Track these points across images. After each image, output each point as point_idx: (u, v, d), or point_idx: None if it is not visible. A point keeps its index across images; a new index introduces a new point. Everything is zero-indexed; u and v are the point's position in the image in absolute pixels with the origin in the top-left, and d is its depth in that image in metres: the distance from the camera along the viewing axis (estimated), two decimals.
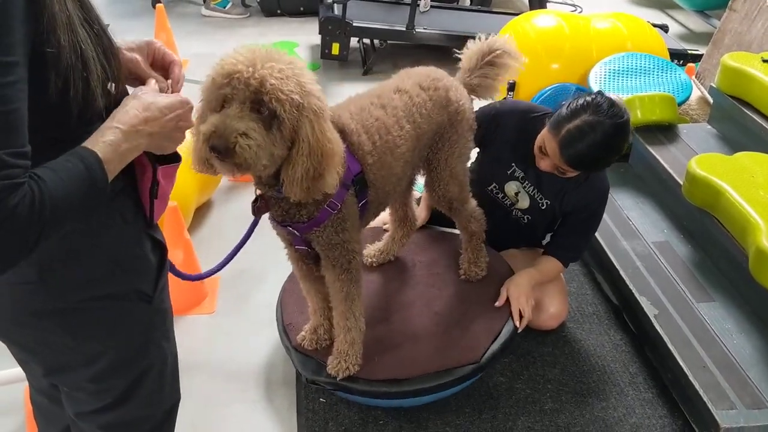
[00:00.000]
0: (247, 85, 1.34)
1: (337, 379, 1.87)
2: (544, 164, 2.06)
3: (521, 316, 2.07)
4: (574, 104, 1.95)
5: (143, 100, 1.06)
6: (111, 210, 1.11)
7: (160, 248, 1.24)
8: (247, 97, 1.35)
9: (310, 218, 1.64)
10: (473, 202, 2.09)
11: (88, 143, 0.98)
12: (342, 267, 1.74)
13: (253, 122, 1.35)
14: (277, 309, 2.16)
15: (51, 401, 1.43)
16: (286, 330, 2.07)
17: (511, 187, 2.24)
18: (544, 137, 2.01)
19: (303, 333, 2.02)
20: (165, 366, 1.33)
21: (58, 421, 1.46)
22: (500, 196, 2.27)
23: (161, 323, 1.29)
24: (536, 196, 2.21)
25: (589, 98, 1.95)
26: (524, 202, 2.24)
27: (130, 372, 1.25)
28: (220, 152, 1.32)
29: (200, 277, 1.75)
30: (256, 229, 1.71)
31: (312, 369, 1.94)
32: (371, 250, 2.28)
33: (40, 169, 0.90)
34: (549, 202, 2.20)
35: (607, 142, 1.91)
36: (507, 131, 2.19)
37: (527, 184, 2.21)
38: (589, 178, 2.14)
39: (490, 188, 2.27)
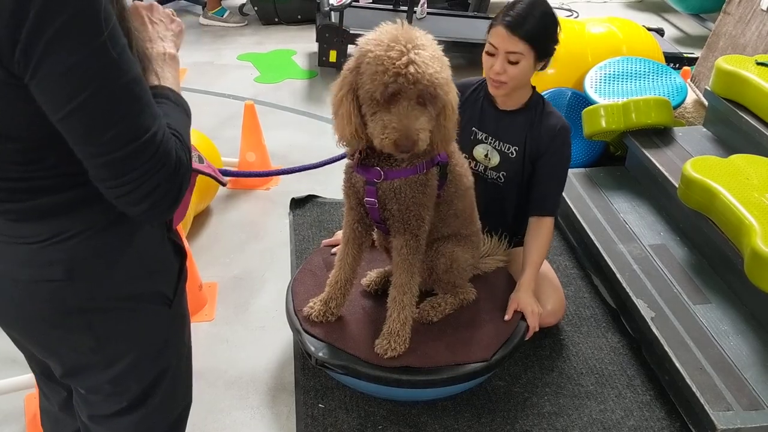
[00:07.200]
0: (414, 83, 1.58)
1: (385, 357, 1.90)
2: (496, 66, 2.10)
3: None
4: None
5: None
6: None
7: (181, 253, 1.27)
8: (415, 94, 1.61)
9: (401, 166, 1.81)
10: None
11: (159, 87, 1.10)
12: (411, 232, 1.85)
13: (424, 117, 1.64)
14: (287, 296, 2.18)
15: (60, 409, 1.44)
16: (297, 313, 2.09)
17: (479, 151, 2.32)
18: (492, 36, 2.11)
19: (311, 304, 2.05)
20: (179, 370, 1.34)
21: (67, 429, 1.47)
22: (473, 164, 2.32)
23: (180, 328, 1.31)
24: (503, 147, 2.28)
25: None
26: (495, 159, 2.30)
27: (148, 375, 1.26)
28: (407, 150, 1.64)
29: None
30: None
31: (322, 351, 1.96)
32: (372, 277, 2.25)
33: (166, 119, 1.02)
34: (517, 149, 2.26)
35: (548, 11, 2.12)
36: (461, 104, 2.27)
37: (491, 140, 2.29)
38: (545, 115, 2.23)
39: None
